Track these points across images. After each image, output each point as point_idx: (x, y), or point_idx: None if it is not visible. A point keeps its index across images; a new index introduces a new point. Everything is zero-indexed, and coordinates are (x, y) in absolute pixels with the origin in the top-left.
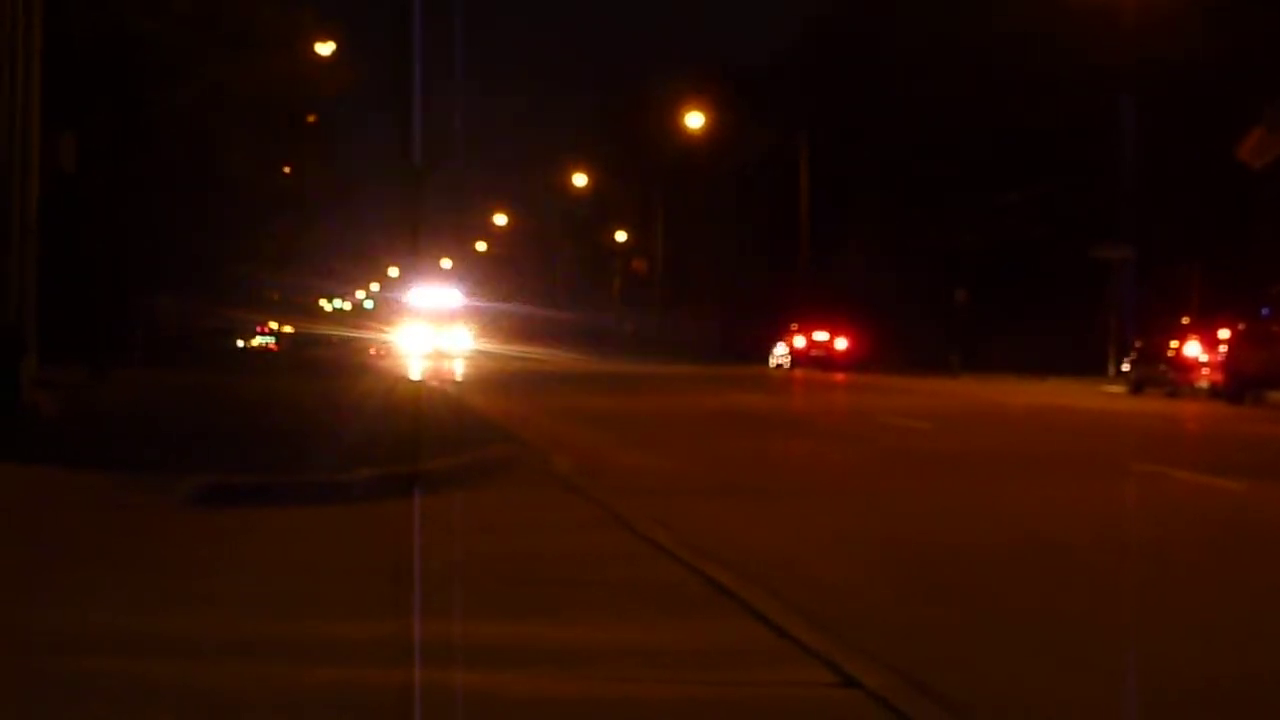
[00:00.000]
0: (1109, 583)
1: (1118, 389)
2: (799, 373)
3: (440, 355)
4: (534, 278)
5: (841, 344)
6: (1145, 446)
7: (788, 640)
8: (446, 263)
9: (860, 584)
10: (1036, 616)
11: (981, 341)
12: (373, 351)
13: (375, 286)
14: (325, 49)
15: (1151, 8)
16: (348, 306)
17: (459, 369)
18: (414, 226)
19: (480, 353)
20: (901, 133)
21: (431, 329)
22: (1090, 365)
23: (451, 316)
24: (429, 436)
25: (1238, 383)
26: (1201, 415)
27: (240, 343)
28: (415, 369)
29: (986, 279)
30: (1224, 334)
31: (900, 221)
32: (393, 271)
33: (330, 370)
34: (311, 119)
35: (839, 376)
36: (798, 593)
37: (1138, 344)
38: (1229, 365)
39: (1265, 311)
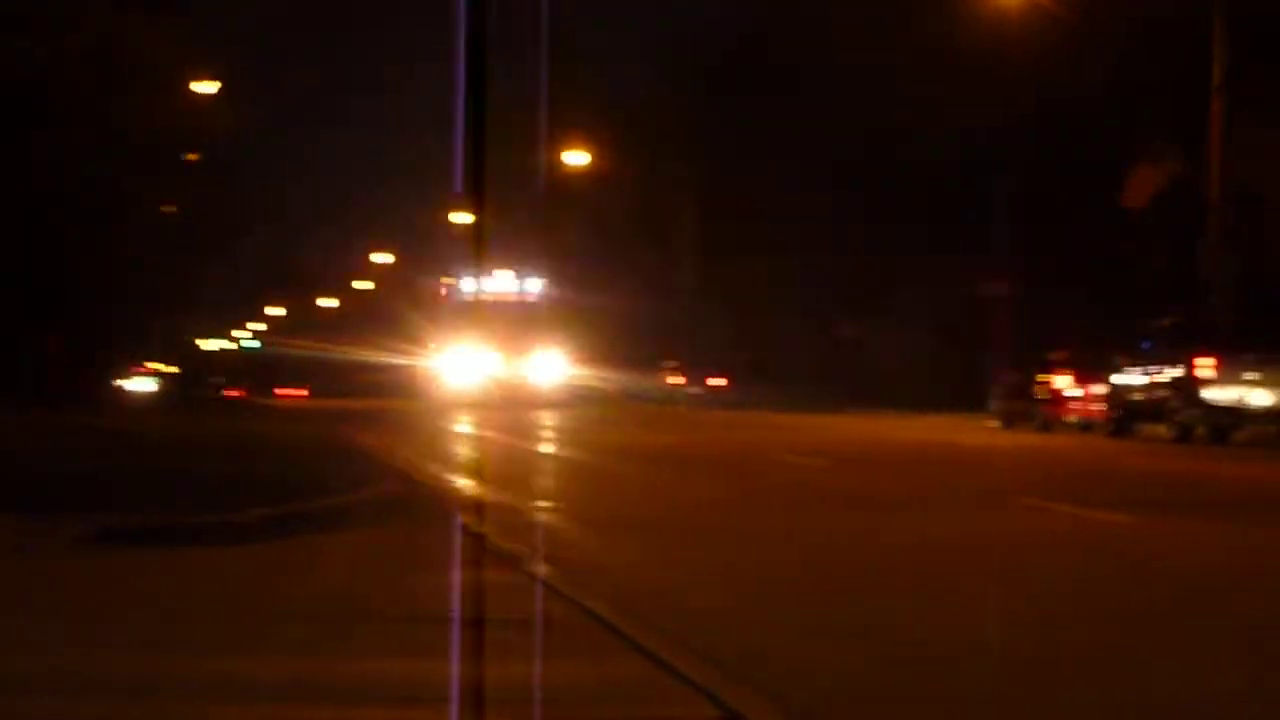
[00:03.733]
0: (999, 615)
1: (997, 424)
2: (683, 409)
3: (515, 393)
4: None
5: (720, 380)
6: (1031, 481)
7: (672, 675)
8: (330, 301)
9: (747, 618)
10: (926, 650)
11: (869, 376)
12: (414, 380)
13: (260, 326)
14: (211, 88)
15: (1036, 46)
16: (233, 346)
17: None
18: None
19: (584, 388)
20: (789, 166)
21: (493, 346)
22: (976, 401)
23: (528, 323)
24: (322, 474)
25: (1120, 416)
26: (1084, 449)
27: (126, 383)
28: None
29: (874, 312)
30: (1062, 371)
31: (787, 253)
32: (274, 310)
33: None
34: (193, 157)
35: (720, 413)
36: (682, 626)
37: (1004, 379)
38: (1111, 399)
39: (1146, 345)
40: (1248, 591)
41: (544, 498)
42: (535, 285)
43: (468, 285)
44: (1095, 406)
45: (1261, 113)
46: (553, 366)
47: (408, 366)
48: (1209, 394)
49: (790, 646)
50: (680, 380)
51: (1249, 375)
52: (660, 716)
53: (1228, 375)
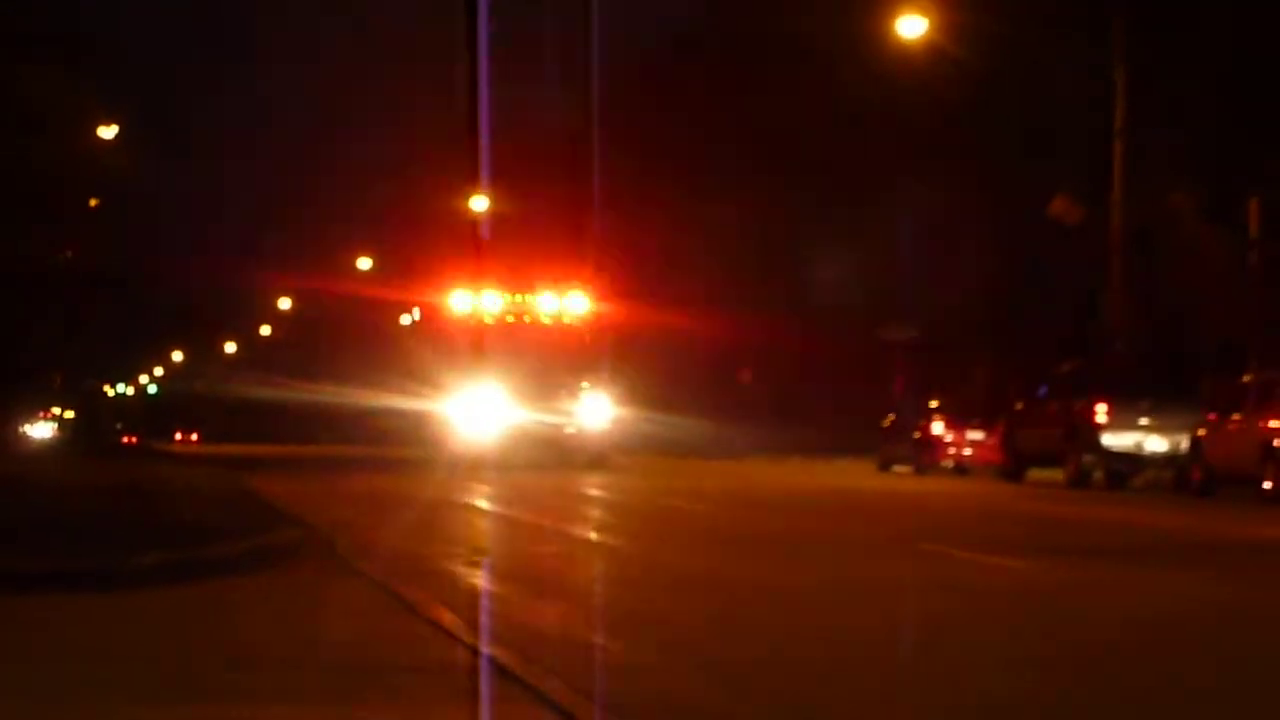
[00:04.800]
0: (906, 662)
1: (904, 469)
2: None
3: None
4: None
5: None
6: (925, 526)
7: None
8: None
9: (650, 665)
10: (826, 697)
11: (773, 422)
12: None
13: (159, 371)
14: (108, 133)
15: (941, 93)
16: (130, 391)
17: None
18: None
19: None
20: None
21: (517, 383)
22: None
23: (568, 353)
24: (217, 521)
25: (1016, 461)
26: (981, 495)
27: (27, 429)
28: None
29: (775, 358)
30: (937, 416)
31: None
32: (176, 356)
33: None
34: (94, 203)
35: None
36: (582, 674)
37: (885, 423)
38: (1007, 444)
39: (1043, 391)
40: (1152, 638)
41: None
42: (577, 303)
43: (485, 303)
44: (967, 451)
45: (1160, 158)
46: (600, 410)
47: (405, 410)
48: (1106, 439)
49: (691, 694)
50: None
51: (1144, 420)
52: None
53: (1123, 420)
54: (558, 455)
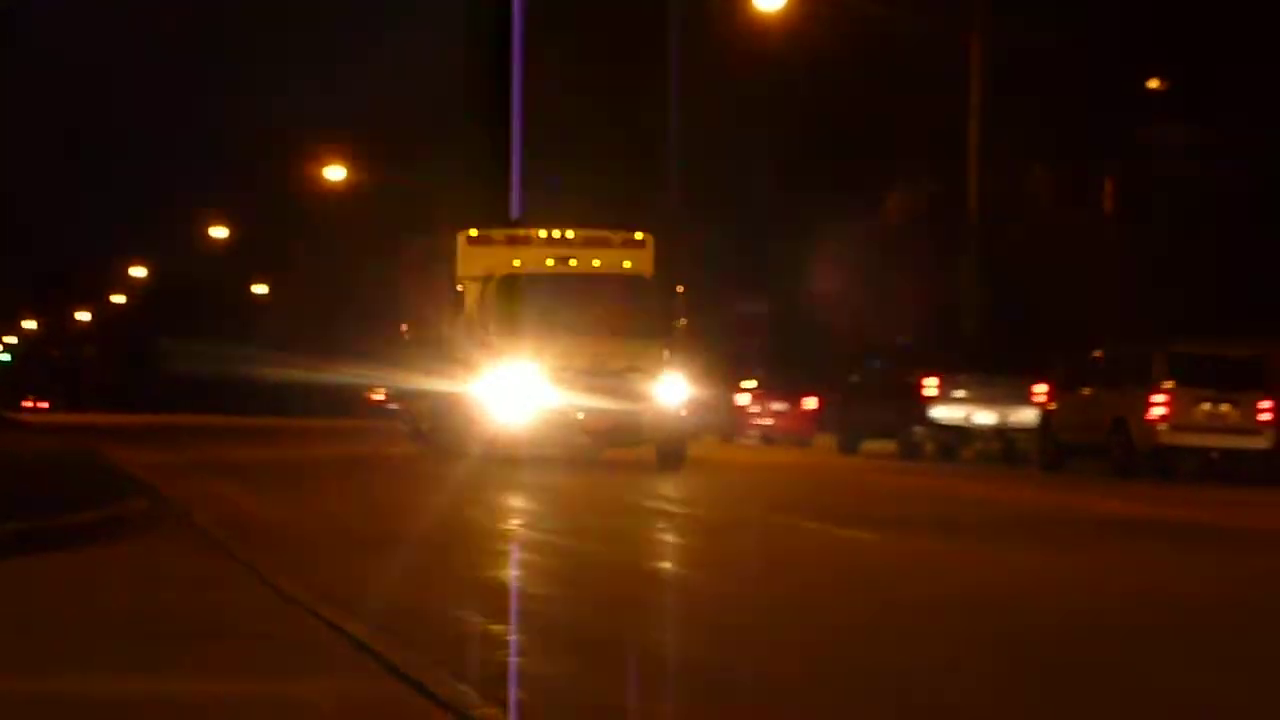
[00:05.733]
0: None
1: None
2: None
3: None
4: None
5: None
6: (773, 498)
7: (426, 695)
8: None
9: (504, 635)
10: (682, 665)
11: None
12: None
13: (12, 339)
14: None
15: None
16: None
17: None
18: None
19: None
20: None
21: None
22: None
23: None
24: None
25: (851, 432)
26: (820, 465)
27: None
28: None
29: None
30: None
31: None
32: (30, 324)
33: None
34: None
35: None
36: (436, 644)
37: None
38: (842, 416)
39: (876, 364)
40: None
41: (294, 521)
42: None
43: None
44: (769, 422)
45: (1016, 135)
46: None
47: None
48: (934, 412)
49: (548, 665)
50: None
51: (968, 393)
52: None
53: (953, 394)
54: (616, 445)
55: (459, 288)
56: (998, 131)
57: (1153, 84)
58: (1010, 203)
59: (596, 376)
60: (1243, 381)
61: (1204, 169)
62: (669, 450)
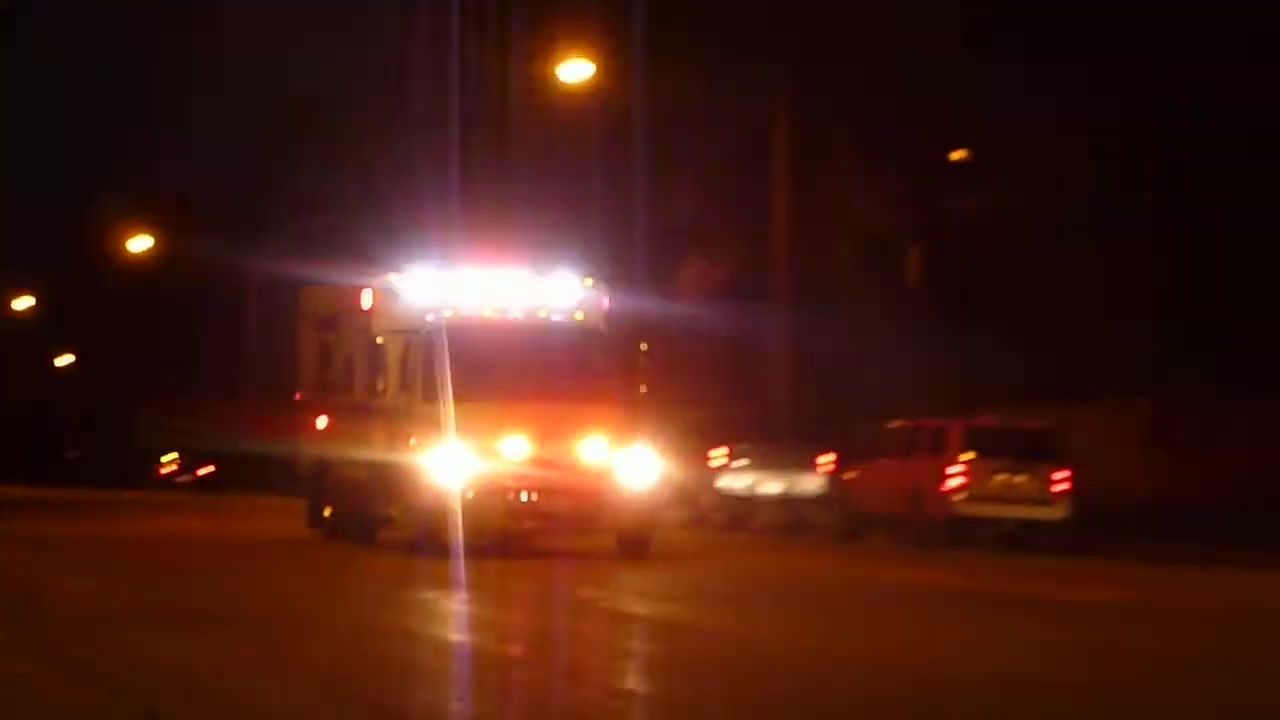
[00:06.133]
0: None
1: None
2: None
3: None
4: None
5: None
6: (578, 571)
7: None
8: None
9: (301, 711)
10: None
11: None
12: None
13: None
14: None
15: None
16: None
17: None
18: None
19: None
20: None
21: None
22: None
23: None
24: None
25: None
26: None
27: None
28: None
29: None
30: None
31: None
32: None
33: None
34: None
35: None
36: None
37: None
38: None
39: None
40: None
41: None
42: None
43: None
44: None
45: (822, 206)
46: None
47: None
48: (723, 482)
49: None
50: None
51: (757, 463)
52: None
53: (740, 464)
54: (570, 532)
55: (379, 340)
56: (803, 201)
57: (956, 155)
58: (816, 273)
59: (547, 445)
60: (1038, 453)
61: (997, 237)
62: (633, 535)
